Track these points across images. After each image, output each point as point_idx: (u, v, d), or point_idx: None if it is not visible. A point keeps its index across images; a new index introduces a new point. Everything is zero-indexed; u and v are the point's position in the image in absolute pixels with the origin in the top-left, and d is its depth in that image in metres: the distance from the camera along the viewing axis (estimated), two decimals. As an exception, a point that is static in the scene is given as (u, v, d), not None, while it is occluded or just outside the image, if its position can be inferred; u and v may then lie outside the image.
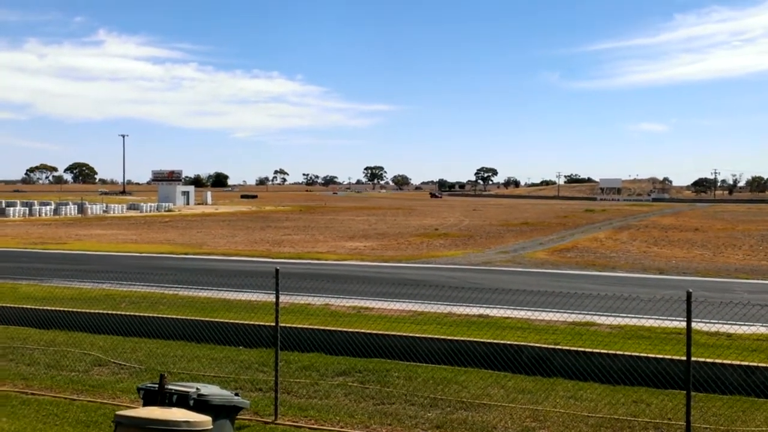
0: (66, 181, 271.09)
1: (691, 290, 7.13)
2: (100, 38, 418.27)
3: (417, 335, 11.74)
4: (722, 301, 14.22)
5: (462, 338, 11.49)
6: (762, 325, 13.66)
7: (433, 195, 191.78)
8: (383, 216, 71.68)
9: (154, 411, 4.55)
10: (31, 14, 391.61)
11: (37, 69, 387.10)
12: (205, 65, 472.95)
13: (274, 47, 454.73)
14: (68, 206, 72.50)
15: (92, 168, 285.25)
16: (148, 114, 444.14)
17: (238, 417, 8.22)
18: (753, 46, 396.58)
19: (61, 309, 14.19)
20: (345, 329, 12.18)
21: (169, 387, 4.93)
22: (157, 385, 4.93)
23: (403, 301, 16.97)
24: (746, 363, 9.70)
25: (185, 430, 4.42)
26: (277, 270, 8.64)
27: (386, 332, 11.90)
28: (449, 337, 11.58)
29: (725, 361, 9.72)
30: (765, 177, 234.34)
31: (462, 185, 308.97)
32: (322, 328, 12.28)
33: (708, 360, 9.71)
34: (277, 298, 8.68)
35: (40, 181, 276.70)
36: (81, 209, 72.26)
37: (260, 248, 34.29)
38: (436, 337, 11.61)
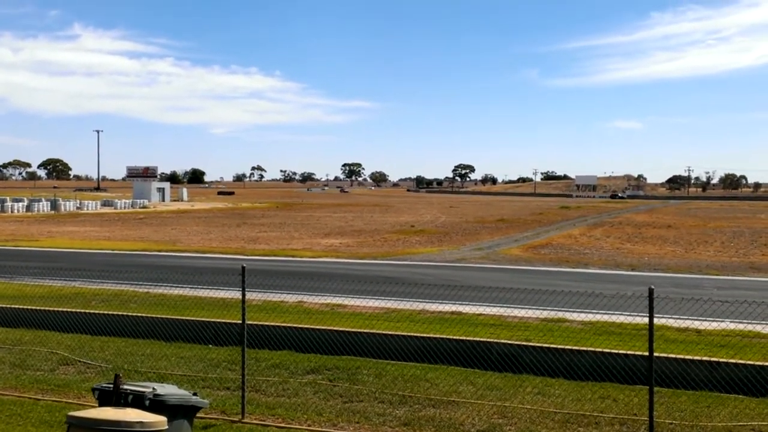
0: (40, 177, 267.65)
1: (653, 286, 7.20)
2: (76, 32, 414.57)
3: (388, 333, 11.72)
4: (692, 297, 14.37)
5: (433, 335, 11.50)
6: (730, 321, 13.83)
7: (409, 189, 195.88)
8: (360, 213, 71.63)
9: (107, 411, 4.47)
10: (5, 7, 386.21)
11: (12, 63, 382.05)
12: (182, 60, 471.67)
13: (252, 43, 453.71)
14: (41, 203, 71.59)
15: (66, 164, 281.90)
16: (123, 109, 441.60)
17: (205, 416, 8.18)
18: (727, 45, 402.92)
19: (29, 307, 14.00)
20: (316, 327, 12.14)
21: (125, 387, 4.85)
22: (112, 385, 4.86)
23: (377, 299, 16.94)
24: (711, 358, 9.81)
25: (138, 431, 4.36)
26: (243, 267, 8.58)
27: (357, 330, 11.88)
28: (420, 335, 11.58)
29: (690, 357, 9.82)
30: (738, 174, 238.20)
31: (440, 182, 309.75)
32: (292, 325, 12.23)
33: (673, 356, 9.81)
34: (244, 295, 8.62)
35: (14, 177, 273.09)
36: (54, 206, 71.35)
37: (235, 245, 34.10)
38: (407, 334, 11.60)
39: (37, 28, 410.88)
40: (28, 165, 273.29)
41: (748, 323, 13.43)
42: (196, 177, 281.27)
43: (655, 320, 7.24)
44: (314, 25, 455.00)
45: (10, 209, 66.59)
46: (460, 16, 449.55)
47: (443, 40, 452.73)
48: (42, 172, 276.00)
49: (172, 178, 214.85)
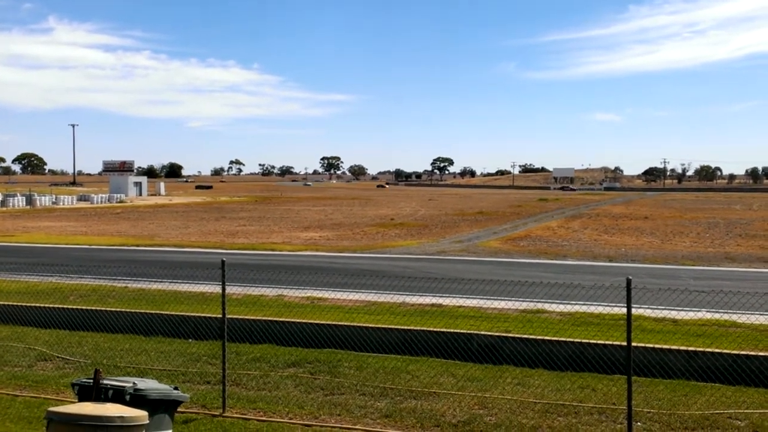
0: (14, 172, 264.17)
1: (630, 277, 7.26)
2: (50, 25, 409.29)
3: (368, 325, 11.75)
4: (669, 288, 14.55)
5: (413, 327, 11.54)
6: (707, 311, 14.01)
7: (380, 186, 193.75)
8: (339, 206, 71.53)
9: (87, 406, 4.43)
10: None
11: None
12: (159, 53, 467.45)
13: (230, 36, 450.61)
14: (16, 198, 70.72)
15: (41, 159, 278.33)
16: (99, 103, 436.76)
17: (186, 410, 8.14)
18: (703, 38, 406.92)
19: (6, 303, 13.86)
20: (296, 320, 12.13)
21: (105, 382, 4.81)
22: (92, 380, 4.82)
23: (358, 292, 16.96)
24: (688, 348, 9.94)
25: (119, 426, 4.33)
26: (223, 261, 8.55)
27: (338, 323, 11.89)
28: (401, 327, 11.61)
29: (667, 347, 9.95)
30: (713, 166, 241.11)
31: (419, 175, 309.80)
32: (273, 319, 12.20)
33: (650, 345, 9.92)
34: (224, 289, 8.59)
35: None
36: (29, 201, 70.49)
37: (214, 239, 33.91)
38: (387, 326, 11.63)
39: (11, 21, 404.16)
40: (3, 160, 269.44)
41: (724, 313, 13.65)
42: (173, 171, 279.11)
43: (633, 310, 7.30)
44: (292, 18, 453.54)
45: (-16, 204, 65.73)
46: (438, 10, 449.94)
47: (422, 34, 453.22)
48: (17, 167, 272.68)
49: (150, 173, 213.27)
